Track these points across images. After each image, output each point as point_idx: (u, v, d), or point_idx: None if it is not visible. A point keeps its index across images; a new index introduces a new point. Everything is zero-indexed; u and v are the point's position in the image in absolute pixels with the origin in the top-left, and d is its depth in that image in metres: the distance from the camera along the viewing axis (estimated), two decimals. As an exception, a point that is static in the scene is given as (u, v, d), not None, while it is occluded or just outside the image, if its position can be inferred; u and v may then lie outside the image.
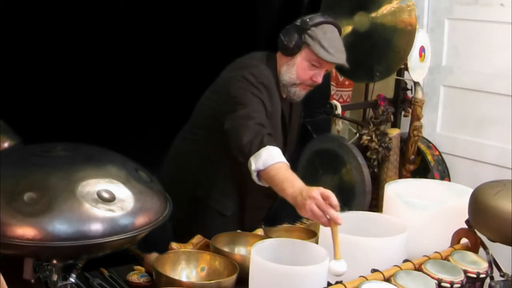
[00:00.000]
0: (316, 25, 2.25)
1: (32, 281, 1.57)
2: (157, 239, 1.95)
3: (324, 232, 1.87)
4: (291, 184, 1.88)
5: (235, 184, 2.39)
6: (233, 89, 2.22)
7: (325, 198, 1.74)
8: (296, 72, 2.28)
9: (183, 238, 2.07)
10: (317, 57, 2.25)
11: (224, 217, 2.40)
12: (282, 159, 2.00)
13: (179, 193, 2.07)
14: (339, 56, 2.28)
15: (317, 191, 1.76)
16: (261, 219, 2.54)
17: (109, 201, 1.53)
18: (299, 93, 2.33)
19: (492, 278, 1.88)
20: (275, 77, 2.32)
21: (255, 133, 2.05)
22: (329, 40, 2.25)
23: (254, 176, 2.01)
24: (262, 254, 1.67)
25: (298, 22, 2.28)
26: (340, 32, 2.34)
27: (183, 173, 2.43)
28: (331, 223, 1.73)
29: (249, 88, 2.20)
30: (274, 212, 2.66)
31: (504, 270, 1.87)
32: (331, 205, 1.73)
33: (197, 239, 2.06)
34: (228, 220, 2.40)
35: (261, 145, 2.01)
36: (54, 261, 1.54)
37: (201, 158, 2.39)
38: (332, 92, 3.60)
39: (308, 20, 2.27)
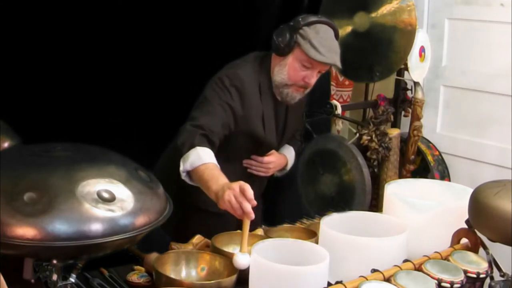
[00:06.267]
0: (308, 24, 2.22)
1: (32, 281, 1.57)
2: (157, 239, 1.95)
3: (324, 232, 1.88)
4: (216, 181, 1.93)
5: None
6: (206, 90, 2.26)
7: (241, 191, 1.79)
8: (288, 72, 2.25)
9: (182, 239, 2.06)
10: (308, 57, 2.20)
11: (218, 216, 2.39)
12: (210, 160, 2.02)
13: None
14: (330, 56, 2.21)
15: (236, 184, 1.82)
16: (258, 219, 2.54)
17: (109, 201, 1.53)
18: (292, 94, 2.29)
19: (492, 278, 1.88)
20: (268, 78, 2.30)
21: (188, 134, 2.09)
22: (321, 40, 2.20)
23: (183, 176, 2.06)
24: (262, 254, 1.67)
25: (291, 22, 2.26)
26: (336, 32, 2.29)
27: (169, 174, 2.41)
28: (244, 216, 1.78)
29: (219, 90, 2.22)
30: (273, 212, 2.65)
31: (504, 270, 1.87)
32: (246, 198, 1.78)
33: (197, 239, 2.06)
34: (223, 218, 2.39)
35: (191, 146, 2.05)
36: (54, 261, 1.54)
37: None
38: (332, 92, 3.60)
39: (300, 19, 2.24)
